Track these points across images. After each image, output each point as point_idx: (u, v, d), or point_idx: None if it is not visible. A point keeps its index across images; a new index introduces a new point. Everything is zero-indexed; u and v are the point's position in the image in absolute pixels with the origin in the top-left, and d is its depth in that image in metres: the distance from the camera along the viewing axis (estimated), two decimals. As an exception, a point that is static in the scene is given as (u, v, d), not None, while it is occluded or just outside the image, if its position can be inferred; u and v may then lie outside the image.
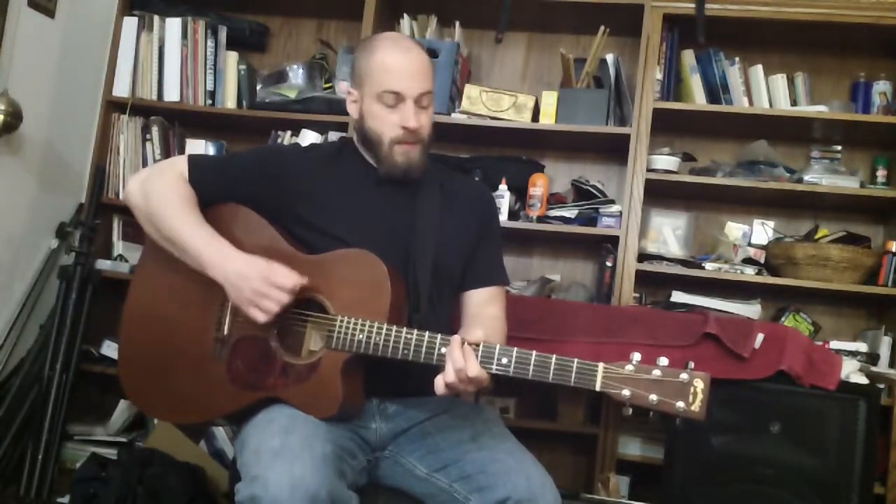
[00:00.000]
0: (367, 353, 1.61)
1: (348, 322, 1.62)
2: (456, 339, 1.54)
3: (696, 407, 1.43)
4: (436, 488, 1.66)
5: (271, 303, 1.61)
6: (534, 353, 1.52)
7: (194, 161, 1.82)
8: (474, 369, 1.51)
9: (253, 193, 1.79)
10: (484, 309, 1.83)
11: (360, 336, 1.61)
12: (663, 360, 1.46)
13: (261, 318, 1.63)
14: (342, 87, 3.09)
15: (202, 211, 1.77)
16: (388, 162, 1.76)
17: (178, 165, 1.80)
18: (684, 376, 1.45)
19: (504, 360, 1.53)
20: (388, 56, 1.74)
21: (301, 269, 1.68)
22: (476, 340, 1.54)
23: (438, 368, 1.55)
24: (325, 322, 1.66)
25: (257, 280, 1.61)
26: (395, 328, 1.60)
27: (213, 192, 1.79)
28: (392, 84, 1.72)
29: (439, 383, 1.53)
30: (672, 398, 1.44)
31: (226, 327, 1.73)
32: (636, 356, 1.48)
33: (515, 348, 1.53)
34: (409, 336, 1.59)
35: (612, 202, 2.95)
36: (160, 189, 1.75)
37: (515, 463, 1.62)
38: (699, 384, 1.44)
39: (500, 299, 1.88)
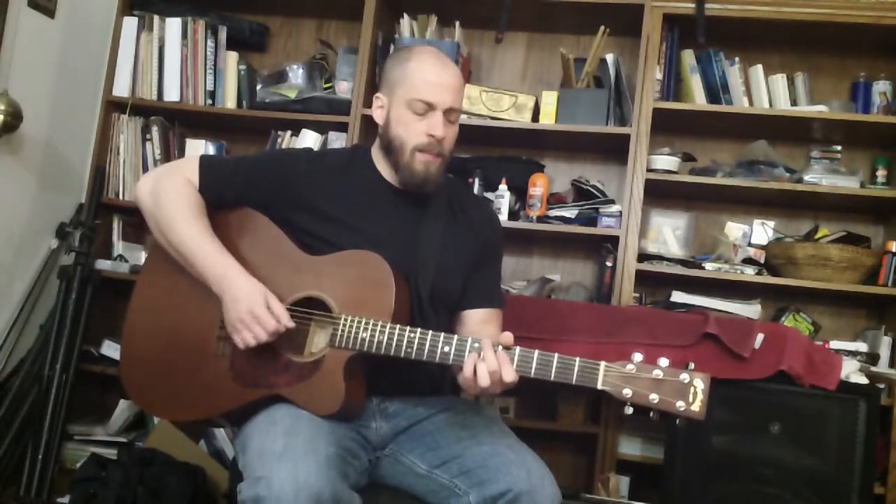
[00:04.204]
0: (371, 351, 1.62)
1: (352, 321, 1.63)
2: (488, 342, 1.56)
3: (696, 407, 1.45)
4: (436, 484, 1.67)
5: (249, 336, 1.65)
6: (536, 351, 1.54)
7: (204, 163, 1.82)
8: (510, 374, 1.53)
9: (260, 197, 1.80)
10: (482, 328, 1.82)
11: (364, 335, 1.62)
12: (664, 361, 1.48)
13: (239, 344, 1.66)
14: (342, 87, 3.10)
15: (212, 212, 1.78)
16: (408, 170, 1.76)
17: (188, 168, 1.81)
18: (685, 376, 1.46)
19: (506, 360, 1.55)
20: (425, 66, 1.75)
21: (306, 269, 1.71)
22: (508, 343, 1.55)
23: (441, 367, 1.56)
24: (328, 321, 1.67)
25: (245, 312, 1.64)
26: (398, 327, 1.62)
27: (221, 195, 1.80)
28: (425, 93, 1.72)
29: (471, 389, 1.54)
30: (672, 398, 1.45)
31: None
32: (637, 356, 1.49)
33: (518, 347, 1.55)
34: (412, 335, 1.61)
35: (612, 202, 2.95)
36: (170, 194, 1.76)
37: (516, 456, 1.63)
38: (699, 384, 1.45)
39: (497, 320, 1.88)
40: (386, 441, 1.76)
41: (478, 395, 1.62)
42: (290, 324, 1.66)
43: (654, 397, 1.46)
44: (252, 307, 1.64)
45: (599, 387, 1.49)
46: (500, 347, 1.55)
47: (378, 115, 1.82)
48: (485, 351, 1.54)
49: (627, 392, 1.47)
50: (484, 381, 1.52)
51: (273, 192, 1.79)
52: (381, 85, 1.85)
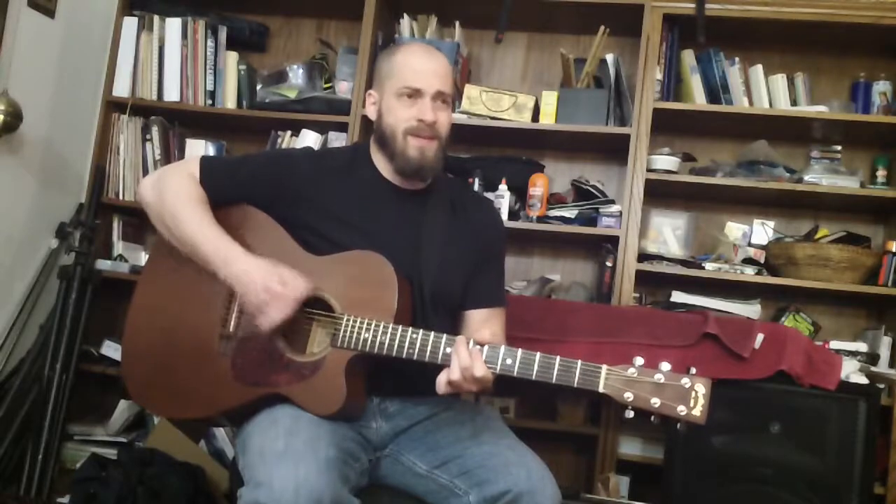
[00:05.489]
0: (372, 351, 1.62)
1: (354, 321, 1.64)
2: (462, 338, 1.56)
3: (697, 412, 1.45)
4: (436, 485, 1.68)
5: (277, 311, 1.63)
6: (538, 354, 1.54)
7: (206, 163, 1.83)
8: (480, 369, 1.53)
9: (262, 197, 1.80)
10: (484, 328, 1.81)
11: (366, 335, 1.62)
12: (665, 365, 1.48)
13: (265, 325, 1.65)
14: (342, 87, 3.10)
15: (215, 211, 1.78)
16: (402, 157, 1.77)
17: (190, 167, 1.81)
18: (686, 381, 1.46)
19: (508, 361, 1.55)
20: (410, 56, 1.80)
21: (308, 269, 1.70)
22: (483, 340, 1.57)
23: (441, 368, 1.56)
24: (330, 321, 1.67)
25: (262, 291, 1.63)
26: (400, 328, 1.62)
27: (222, 194, 1.81)
28: (411, 80, 1.75)
29: (441, 381, 1.55)
30: (673, 402, 1.46)
31: (231, 324, 1.74)
32: (639, 360, 1.49)
33: (520, 349, 1.55)
34: (414, 336, 1.61)
35: (612, 202, 2.95)
36: (173, 189, 1.77)
37: (516, 457, 1.64)
38: (700, 389, 1.46)
39: (499, 319, 1.89)
40: (386, 441, 1.76)
41: (458, 394, 1.62)
42: (309, 287, 1.65)
43: (655, 401, 1.46)
44: (267, 284, 1.63)
45: (601, 390, 1.49)
46: (472, 342, 1.55)
47: (371, 111, 1.85)
48: (457, 347, 1.55)
49: (629, 396, 1.47)
50: (455, 375, 1.53)
51: (275, 192, 1.79)
52: (373, 83, 1.88)
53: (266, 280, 1.63)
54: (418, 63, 1.77)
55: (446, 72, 1.80)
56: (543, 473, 1.61)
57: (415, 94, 1.75)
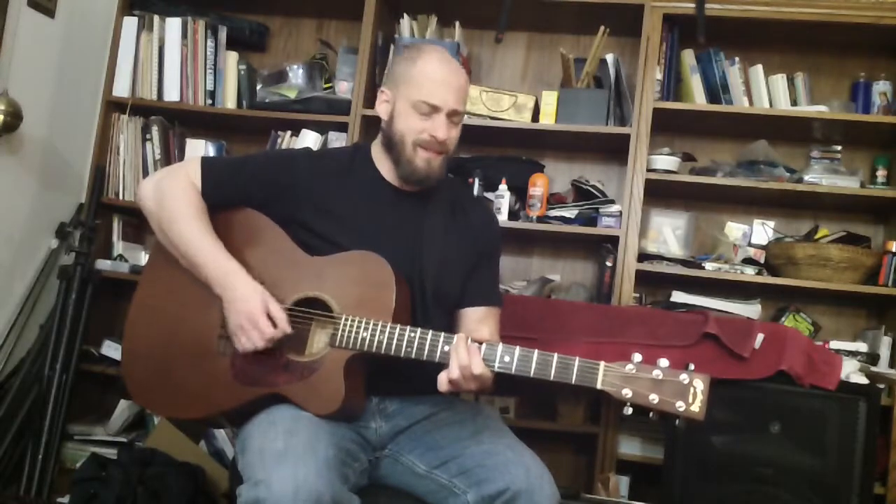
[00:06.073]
0: (371, 351, 1.62)
1: (352, 321, 1.64)
2: (461, 336, 1.57)
3: (695, 407, 1.44)
4: (436, 485, 1.68)
5: (248, 343, 1.66)
6: (536, 351, 1.54)
7: (206, 165, 1.83)
8: (479, 367, 1.54)
9: (262, 198, 1.81)
10: (480, 326, 1.83)
11: (364, 334, 1.63)
12: (664, 361, 1.48)
13: (238, 347, 1.68)
14: (342, 87, 3.10)
15: (214, 213, 1.79)
16: (409, 166, 1.77)
17: (191, 170, 1.81)
18: (684, 377, 1.46)
19: (506, 358, 1.55)
20: (433, 67, 1.76)
21: (308, 270, 1.72)
22: (481, 339, 1.58)
23: (440, 367, 1.57)
24: (329, 321, 1.67)
25: (244, 318, 1.66)
26: (398, 327, 1.62)
27: (223, 196, 1.81)
28: (428, 95, 1.74)
29: (442, 379, 1.55)
30: (672, 398, 1.45)
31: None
32: (637, 356, 1.49)
33: (518, 347, 1.55)
34: (412, 334, 1.61)
35: (612, 202, 2.95)
36: (173, 195, 1.77)
37: (514, 455, 1.64)
38: (699, 385, 1.45)
39: (494, 319, 1.89)
40: (385, 441, 1.76)
41: (458, 393, 1.62)
42: (288, 329, 1.67)
43: (653, 398, 1.46)
44: (251, 313, 1.65)
45: (599, 387, 1.49)
46: (470, 340, 1.56)
47: (383, 109, 1.83)
48: (456, 345, 1.56)
49: (627, 392, 1.47)
50: (454, 373, 1.54)
51: (275, 193, 1.80)
52: (386, 79, 1.87)
53: (250, 309, 1.66)
54: (439, 77, 1.75)
55: (463, 87, 1.80)
56: (542, 472, 1.61)
57: (431, 109, 1.74)
